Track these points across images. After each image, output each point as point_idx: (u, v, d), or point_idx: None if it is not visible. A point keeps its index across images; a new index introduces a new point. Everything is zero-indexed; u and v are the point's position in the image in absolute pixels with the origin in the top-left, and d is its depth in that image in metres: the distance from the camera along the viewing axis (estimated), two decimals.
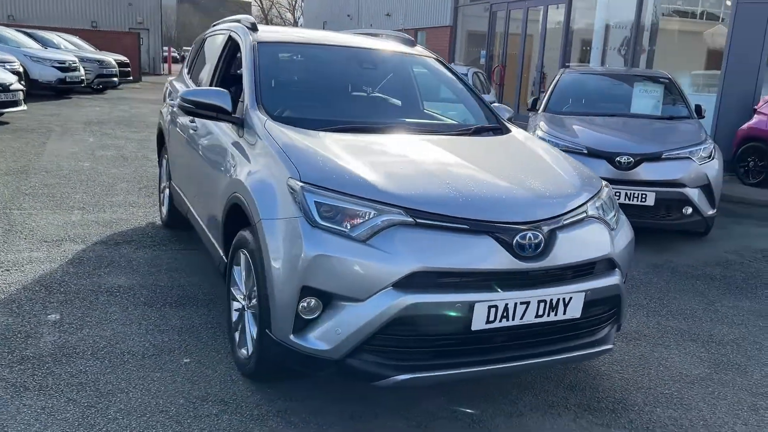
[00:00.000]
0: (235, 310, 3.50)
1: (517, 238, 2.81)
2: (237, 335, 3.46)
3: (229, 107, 3.70)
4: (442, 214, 2.81)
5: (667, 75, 8.50)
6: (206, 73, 5.00)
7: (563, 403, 3.32)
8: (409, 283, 2.66)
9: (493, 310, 2.73)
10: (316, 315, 2.84)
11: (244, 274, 3.31)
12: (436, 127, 4.28)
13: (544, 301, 2.83)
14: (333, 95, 4.34)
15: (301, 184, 2.94)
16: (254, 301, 3.14)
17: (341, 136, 3.47)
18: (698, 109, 7.88)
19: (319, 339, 2.83)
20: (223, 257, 3.71)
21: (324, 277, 2.78)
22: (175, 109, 5.23)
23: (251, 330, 3.24)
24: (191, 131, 4.62)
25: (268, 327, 2.99)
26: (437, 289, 2.71)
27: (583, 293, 2.92)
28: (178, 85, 5.67)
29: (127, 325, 3.86)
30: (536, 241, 2.84)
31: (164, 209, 5.88)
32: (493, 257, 2.77)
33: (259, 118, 3.58)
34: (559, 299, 2.86)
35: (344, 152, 3.21)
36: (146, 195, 7.15)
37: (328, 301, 2.80)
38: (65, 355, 3.45)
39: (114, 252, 5.16)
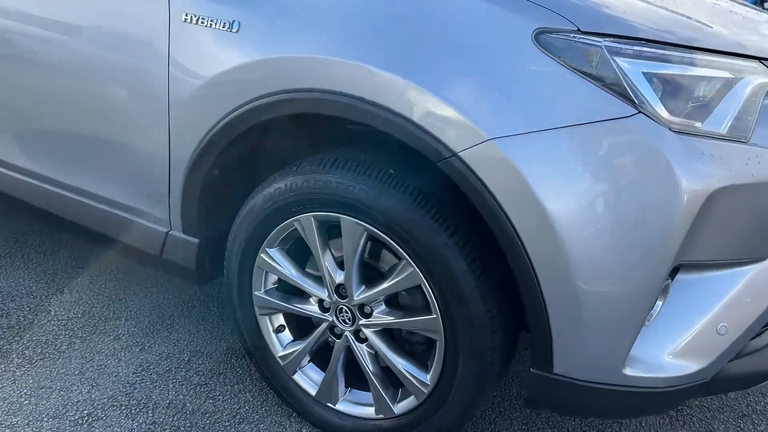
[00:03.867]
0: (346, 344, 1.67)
1: None
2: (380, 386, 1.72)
3: None
4: None
5: None
6: None
7: None
8: None
9: None
10: (658, 310, 1.42)
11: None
12: None
13: None
14: None
15: (598, 40, 1.32)
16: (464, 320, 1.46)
17: None
18: None
19: (681, 356, 1.43)
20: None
21: (713, 237, 1.35)
22: None
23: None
24: None
25: (544, 360, 1.41)
26: None
27: None
28: None
29: None
30: None
31: None
32: None
33: None
34: None
35: None
36: None
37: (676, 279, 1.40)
38: None
39: None
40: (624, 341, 1.38)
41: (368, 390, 1.79)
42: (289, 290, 1.85)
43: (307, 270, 1.79)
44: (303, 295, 1.82)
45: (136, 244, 1.99)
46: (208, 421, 1.88)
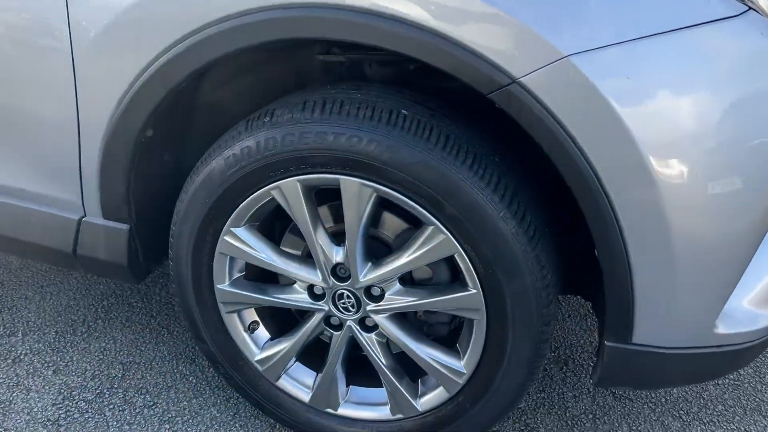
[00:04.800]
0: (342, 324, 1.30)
1: None
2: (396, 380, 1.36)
3: None
4: None
5: None
6: None
7: None
8: None
9: None
10: None
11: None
12: None
13: None
14: None
15: None
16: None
17: None
18: None
19: (763, 305, 1.22)
20: None
21: None
22: None
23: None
24: None
25: (623, 329, 1.15)
26: None
27: None
28: None
29: None
30: None
31: None
32: None
33: None
34: None
35: None
36: None
37: None
38: None
39: None
40: (720, 297, 1.14)
41: (374, 386, 1.45)
42: (262, 278, 1.45)
43: (284, 249, 1.39)
44: (284, 282, 1.43)
45: (39, 242, 1.47)
46: None
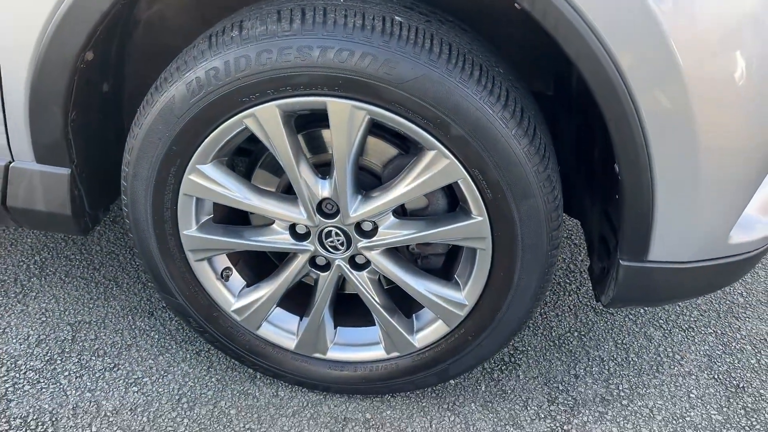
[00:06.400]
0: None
1: None
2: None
3: None
4: None
5: None
6: None
7: None
8: None
9: None
10: None
11: None
12: None
13: None
14: None
15: None
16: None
17: None
18: None
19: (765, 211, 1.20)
20: None
21: None
22: None
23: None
24: None
25: (639, 247, 1.09)
26: None
27: None
28: None
29: None
30: None
31: None
32: None
33: None
34: None
35: None
36: None
37: None
38: None
39: None
40: (737, 208, 1.09)
41: (363, 325, 1.36)
42: (232, 220, 1.29)
43: (254, 184, 1.23)
44: (259, 223, 1.28)
45: None
46: (145, 419, 1.33)
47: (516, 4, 0.92)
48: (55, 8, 1.00)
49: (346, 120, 1.05)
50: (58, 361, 1.43)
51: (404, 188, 1.12)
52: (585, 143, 1.33)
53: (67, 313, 1.56)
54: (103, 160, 1.27)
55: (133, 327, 1.54)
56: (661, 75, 0.92)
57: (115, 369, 1.43)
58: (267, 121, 1.07)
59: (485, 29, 1.14)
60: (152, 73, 1.15)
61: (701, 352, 1.58)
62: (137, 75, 1.28)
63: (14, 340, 1.48)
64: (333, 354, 1.35)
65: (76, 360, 1.44)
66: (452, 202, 1.22)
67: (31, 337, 1.49)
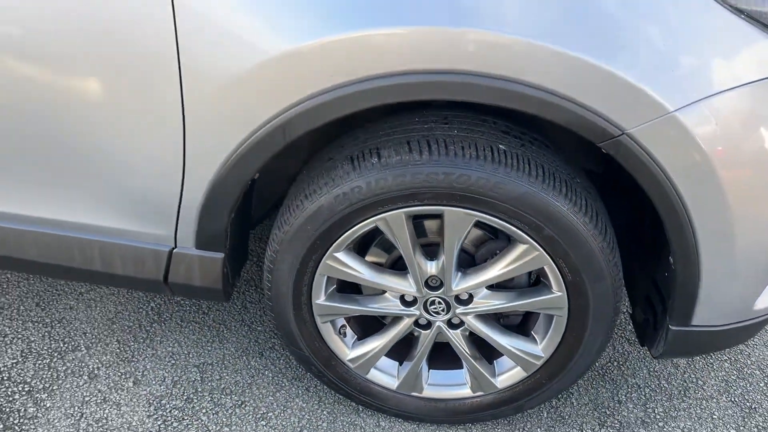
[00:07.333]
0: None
1: None
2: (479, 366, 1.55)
3: None
4: None
5: None
6: None
7: None
8: None
9: None
10: None
11: None
12: None
13: None
14: None
15: None
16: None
17: None
18: None
19: None
20: None
21: None
22: None
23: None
24: None
25: (685, 315, 1.40)
26: None
27: None
28: None
29: None
30: None
31: None
32: None
33: None
34: None
35: None
36: None
37: None
38: None
39: None
40: (762, 282, 1.40)
41: (451, 368, 1.66)
42: (348, 289, 1.58)
43: (373, 262, 1.53)
44: (372, 292, 1.57)
45: (129, 274, 1.52)
46: None
47: (602, 149, 1.21)
48: (244, 140, 1.27)
49: (457, 222, 1.34)
50: (195, 400, 1.73)
51: (499, 271, 1.41)
52: (632, 218, 1.63)
53: (191, 355, 1.85)
54: (241, 243, 1.55)
55: (249, 366, 1.83)
56: (713, 203, 1.22)
57: (243, 405, 1.72)
58: (394, 222, 1.36)
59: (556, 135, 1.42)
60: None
61: (719, 378, 1.90)
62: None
63: (154, 382, 1.76)
64: (427, 392, 1.65)
65: (209, 398, 1.73)
66: (530, 275, 1.52)
67: (167, 379, 1.78)
